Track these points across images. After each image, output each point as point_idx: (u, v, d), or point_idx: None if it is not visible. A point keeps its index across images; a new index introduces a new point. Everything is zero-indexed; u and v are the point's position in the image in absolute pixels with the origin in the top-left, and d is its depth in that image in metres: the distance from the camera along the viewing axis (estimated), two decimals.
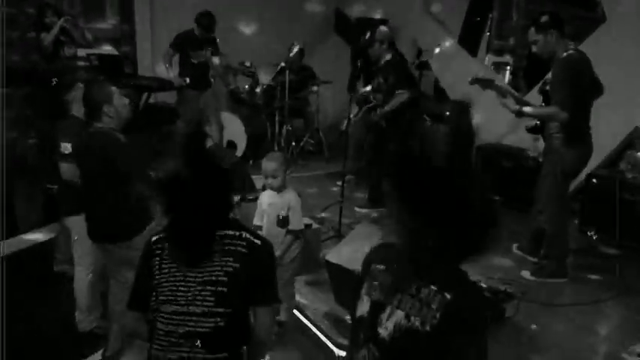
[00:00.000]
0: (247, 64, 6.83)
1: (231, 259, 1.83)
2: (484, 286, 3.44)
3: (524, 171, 5.25)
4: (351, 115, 5.16)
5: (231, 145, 6.45)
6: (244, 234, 1.88)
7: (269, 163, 3.12)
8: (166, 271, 1.86)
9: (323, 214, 4.92)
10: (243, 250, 1.85)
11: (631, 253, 4.42)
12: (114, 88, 2.93)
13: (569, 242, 4.04)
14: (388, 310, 1.53)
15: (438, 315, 1.47)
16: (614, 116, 4.76)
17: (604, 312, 3.62)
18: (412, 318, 1.49)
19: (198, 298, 1.82)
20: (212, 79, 6.48)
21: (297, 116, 7.11)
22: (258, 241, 1.89)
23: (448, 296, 1.48)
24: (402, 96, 4.92)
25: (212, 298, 1.81)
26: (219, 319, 1.81)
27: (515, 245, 4.41)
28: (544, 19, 3.73)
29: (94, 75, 5.76)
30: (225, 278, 1.81)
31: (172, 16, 6.95)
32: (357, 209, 4.97)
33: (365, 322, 1.59)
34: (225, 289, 1.81)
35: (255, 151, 6.47)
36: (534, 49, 3.76)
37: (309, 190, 5.78)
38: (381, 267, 1.62)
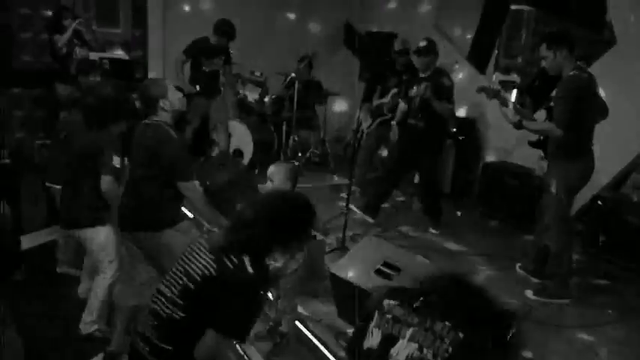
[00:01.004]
0: (257, 74, 6.87)
1: (216, 266, 1.89)
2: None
3: (529, 190, 5.25)
4: (364, 127, 5.16)
5: (238, 153, 6.47)
6: (245, 259, 1.90)
7: (272, 167, 3.20)
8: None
9: (327, 226, 4.91)
10: (230, 267, 1.88)
11: (636, 276, 4.40)
12: (167, 82, 3.16)
13: (571, 262, 4.03)
14: (399, 344, 1.53)
15: (450, 349, 1.48)
16: (622, 139, 4.76)
17: (607, 334, 3.60)
18: (425, 350, 1.49)
19: (174, 282, 1.95)
20: (222, 88, 6.52)
21: (304, 127, 7.13)
22: (249, 270, 1.88)
23: (461, 335, 1.48)
24: (448, 109, 4.85)
25: (180, 288, 1.92)
26: (177, 311, 1.90)
27: (518, 265, 4.40)
28: (556, 36, 3.79)
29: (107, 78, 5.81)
30: (199, 278, 1.89)
31: (184, 22, 7.02)
32: (351, 207, 4.85)
33: (373, 354, 1.59)
34: (192, 287, 1.90)
35: (262, 159, 6.49)
36: (543, 63, 3.81)
37: (313, 201, 5.75)
38: (394, 302, 1.63)
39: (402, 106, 5.04)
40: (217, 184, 5.21)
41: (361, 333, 1.64)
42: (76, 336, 3.30)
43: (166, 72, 7.01)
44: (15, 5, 6.27)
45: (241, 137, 6.53)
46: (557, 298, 3.89)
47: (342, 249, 4.41)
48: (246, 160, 6.41)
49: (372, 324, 1.61)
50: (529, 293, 3.98)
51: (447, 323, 1.50)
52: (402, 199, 6.10)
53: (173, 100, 3.05)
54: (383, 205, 5.30)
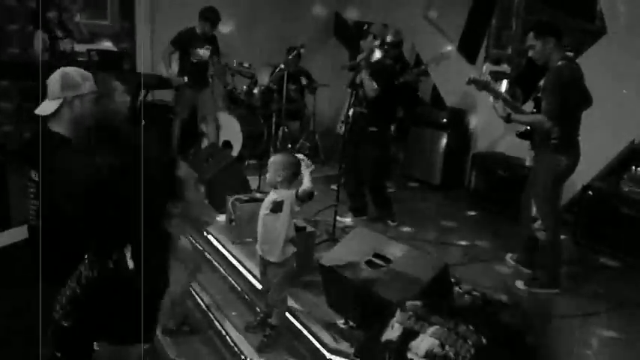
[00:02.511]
0: (246, 65, 6.83)
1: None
2: (477, 294, 3.43)
3: (520, 180, 5.24)
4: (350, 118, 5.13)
5: (227, 145, 6.44)
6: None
7: (272, 156, 3.14)
8: None
9: (317, 218, 4.90)
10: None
11: (625, 266, 4.43)
12: (117, 84, 2.93)
13: (561, 252, 4.04)
14: (420, 338, 1.54)
15: (472, 351, 1.48)
16: (612, 128, 4.78)
17: (597, 323, 3.62)
18: (447, 347, 1.49)
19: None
20: (210, 79, 6.48)
21: (293, 118, 7.11)
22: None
23: (484, 341, 1.49)
24: (374, 90, 4.65)
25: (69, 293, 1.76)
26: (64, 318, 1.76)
27: (509, 255, 4.42)
28: (544, 25, 3.80)
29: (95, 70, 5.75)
30: (84, 282, 1.70)
31: (172, 13, 6.96)
32: (339, 219, 4.75)
33: (392, 346, 1.59)
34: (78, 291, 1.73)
35: (251, 151, 6.46)
36: (530, 53, 3.80)
37: None
38: (418, 303, 1.63)
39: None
40: (206, 175, 5.19)
41: (380, 329, 1.64)
42: None
43: (154, 63, 6.96)
44: None
45: (230, 129, 6.50)
46: (547, 287, 3.91)
47: (331, 240, 4.40)
48: (235, 152, 6.38)
49: (394, 319, 1.62)
50: (519, 283, 3.99)
51: (470, 327, 1.50)
52: (392, 190, 6.09)
53: (118, 102, 2.91)
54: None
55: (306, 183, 2.98)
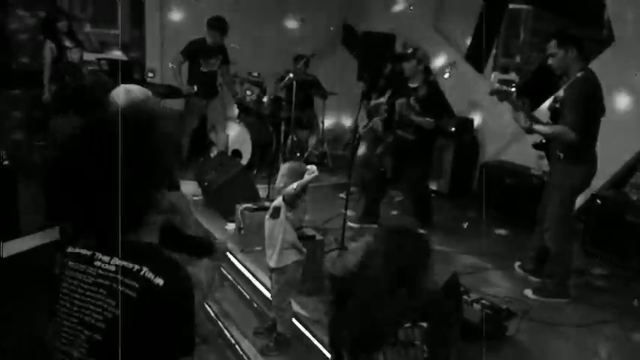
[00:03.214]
0: (255, 74, 6.87)
1: (114, 302, 1.37)
2: (486, 302, 3.42)
3: (528, 189, 5.25)
4: (360, 127, 5.16)
5: (237, 153, 6.47)
6: (144, 271, 1.36)
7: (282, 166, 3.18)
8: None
9: (326, 226, 4.90)
10: (132, 295, 1.34)
11: (634, 275, 4.40)
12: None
13: (571, 262, 4.02)
14: None
15: (424, 347, 1.47)
16: (620, 138, 4.76)
17: (605, 333, 3.60)
18: None
19: (75, 341, 1.45)
20: (219, 88, 6.53)
21: (302, 127, 7.13)
22: (159, 282, 1.34)
23: (424, 324, 1.48)
24: (427, 123, 4.80)
25: (86, 346, 1.42)
26: None
27: (517, 264, 4.40)
28: (567, 35, 3.79)
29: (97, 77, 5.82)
30: (102, 325, 1.39)
31: (182, 23, 7.02)
32: (349, 224, 4.80)
33: None
34: (99, 338, 1.40)
35: (260, 160, 6.48)
36: (550, 61, 3.78)
37: (312, 201, 5.77)
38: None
39: (376, 122, 5.11)
40: (216, 184, 5.21)
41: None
42: None
43: (164, 73, 7.02)
44: (12, 6, 6.26)
45: (239, 138, 6.53)
46: (556, 297, 3.89)
47: (340, 249, 4.40)
48: (244, 161, 6.40)
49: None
50: (528, 292, 3.97)
51: (406, 326, 1.49)
52: (400, 199, 6.09)
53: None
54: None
55: (292, 185, 2.96)
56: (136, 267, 1.36)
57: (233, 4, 7.06)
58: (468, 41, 6.78)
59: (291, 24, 8.02)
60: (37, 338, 3.20)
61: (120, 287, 1.36)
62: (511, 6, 7.12)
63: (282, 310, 3.19)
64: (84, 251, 1.46)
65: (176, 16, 7.16)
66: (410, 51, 4.90)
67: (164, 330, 1.37)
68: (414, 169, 5.03)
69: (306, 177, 2.96)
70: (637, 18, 4.97)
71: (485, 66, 6.80)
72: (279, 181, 3.08)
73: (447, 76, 6.09)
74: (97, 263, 1.42)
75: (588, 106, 3.61)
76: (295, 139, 6.82)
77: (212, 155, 6.40)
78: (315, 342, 3.24)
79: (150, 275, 1.35)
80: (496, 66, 8.11)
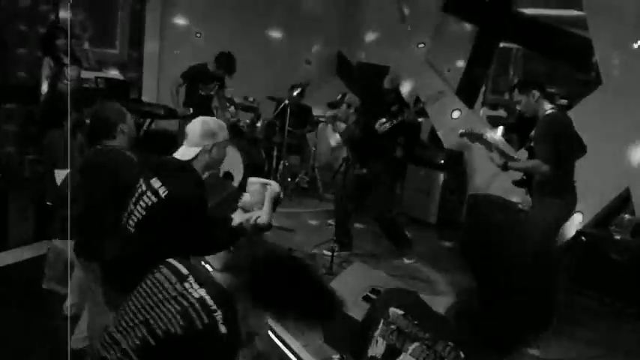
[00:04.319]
0: (250, 99, 6.96)
1: (182, 323, 1.58)
2: None
3: (514, 222, 5.32)
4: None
5: (228, 176, 6.50)
6: (217, 316, 1.57)
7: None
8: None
9: (315, 251, 4.94)
10: (199, 327, 1.56)
11: (618, 312, 4.46)
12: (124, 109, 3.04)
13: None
14: (401, 357, 1.55)
15: (461, 354, 1.50)
16: (604, 177, 4.88)
17: None
18: None
19: (131, 332, 1.65)
20: (214, 111, 6.60)
21: (294, 153, 7.21)
22: (222, 330, 1.55)
23: (462, 355, 1.51)
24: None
25: (138, 342, 1.61)
26: None
27: None
28: (525, 81, 4.05)
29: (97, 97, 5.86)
30: (161, 334, 1.59)
31: (180, 44, 7.11)
32: (324, 252, 4.85)
33: None
34: (153, 343, 1.59)
35: None
36: (518, 107, 3.97)
37: (301, 227, 5.83)
38: (400, 312, 1.64)
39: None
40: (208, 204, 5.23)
41: (365, 337, 1.64)
42: (61, 351, 3.26)
43: (160, 93, 7.08)
44: (11, 21, 6.32)
45: (232, 160, 6.56)
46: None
47: (329, 274, 4.43)
48: (236, 183, 6.43)
49: (377, 332, 1.61)
50: None
51: (449, 344, 1.52)
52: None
53: (130, 124, 3.02)
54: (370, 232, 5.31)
55: (257, 214, 2.73)
56: (213, 307, 1.57)
57: (233, 30, 7.20)
58: (460, 76, 6.93)
59: (289, 51, 8.15)
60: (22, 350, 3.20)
61: (193, 314, 1.56)
62: (502, 44, 7.33)
63: (260, 327, 3.16)
64: (182, 268, 1.68)
65: (175, 37, 7.25)
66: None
67: None
68: (376, 201, 5.10)
69: (267, 197, 2.79)
70: (623, 61, 5.14)
71: (475, 102, 6.96)
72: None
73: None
74: (187, 285, 1.62)
75: (557, 141, 3.73)
76: (287, 164, 6.89)
77: (204, 177, 6.42)
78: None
79: (219, 319, 1.56)
80: (485, 102, 8.31)
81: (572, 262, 4.87)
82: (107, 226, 2.83)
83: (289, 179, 6.94)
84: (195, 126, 2.63)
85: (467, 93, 6.83)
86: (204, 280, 1.64)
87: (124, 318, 1.67)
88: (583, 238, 4.81)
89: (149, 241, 2.36)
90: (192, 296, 1.59)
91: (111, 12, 6.99)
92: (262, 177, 6.51)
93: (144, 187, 2.45)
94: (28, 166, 6.09)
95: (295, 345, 3.46)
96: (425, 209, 6.43)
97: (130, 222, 2.44)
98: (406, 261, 5.13)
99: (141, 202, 2.43)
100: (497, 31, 6.67)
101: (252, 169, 6.61)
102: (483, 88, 7.48)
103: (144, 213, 2.40)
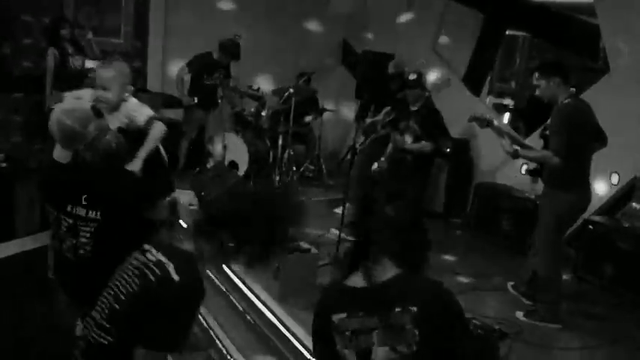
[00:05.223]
0: (255, 87, 6.93)
1: (138, 281, 1.77)
2: (477, 322, 3.45)
3: (522, 212, 5.32)
4: (357, 145, 5.21)
5: (233, 165, 6.50)
6: (169, 267, 1.75)
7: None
8: None
9: (320, 240, 4.93)
10: (152, 280, 1.73)
11: (625, 302, 4.44)
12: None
13: (561, 288, 4.05)
14: (374, 353, 1.53)
15: (415, 331, 1.50)
16: (612, 165, 4.85)
17: (595, 358, 3.63)
18: (398, 347, 1.50)
19: (102, 305, 1.82)
20: (219, 100, 6.59)
21: (299, 142, 7.19)
22: (175, 277, 1.72)
23: (414, 309, 1.51)
24: (427, 146, 4.95)
25: (107, 311, 1.79)
26: (105, 335, 1.76)
27: (510, 284, 4.44)
28: (549, 65, 3.87)
29: None
30: (123, 297, 1.77)
31: (185, 34, 7.09)
32: (332, 230, 4.84)
33: None
34: (118, 307, 1.77)
35: (257, 172, 6.52)
36: (537, 92, 3.86)
37: (307, 216, 5.80)
38: (343, 315, 1.60)
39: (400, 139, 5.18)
40: (212, 194, 5.23)
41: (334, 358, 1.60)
42: (67, 340, 3.27)
43: (165, 83, 7.07)
44: (17, 11, 6.31)
45: (237, 149, 6.57)
46: (547, 322, 3.89)
47: (334, 263, 4.42)
48: (241, 173, 6.44)
49: (339, 346, 1.57)
50: (519, 314, 4.00)
51: (397, 309, 1.52)
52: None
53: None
54: None
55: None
56: (165, 261, 1.75)
57: (238, 18, 7.18)
58: (466, 64, 6.88)
59: (294, 39, 8.11)
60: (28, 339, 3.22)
61: (147, 271, 1.74)
62: (508, 32, 7.26)
63: None
64: (145, 245, 1.85)
65: (180, 27, 7.22)
66: (415, 77, 5.01)
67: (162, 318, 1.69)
68: (410, 190, 5.08)
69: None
70: (631, 48, 5.08)
71: (482, 90, 6.91)
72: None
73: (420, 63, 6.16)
74: (148, 255, 1.80)
75: (570, 132, 3.63)
76: (292, 153, 6.88)
77: (208, 166, 6.44)
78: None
79: (171, 270, 1.72)
80: (492, 90, 8.25)
81: (580, 251, 4.85)
82: None
83: (294, 168, 6.93)
84: (53, 128, 2.46)
85: (473, 81, 6.78)
86: (164, 247, 1.82)
87: (100, 298, 1.84)
88: (590, 226, 4.78)
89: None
90: (150, 260, 1.77)
91: (115, 1, 6.97)
92: (267, 166, 6.60)
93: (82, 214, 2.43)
94: (34, 156, 6.11)
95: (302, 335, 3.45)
96: (431, 199, 6.40)
97: (81, 251, 2.45)
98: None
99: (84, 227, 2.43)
100: (503, 19, 6.61)
101: (257, 158, 6.62)
102: (489, 77, 7.41)
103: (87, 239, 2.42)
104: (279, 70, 7.59)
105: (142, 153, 2.92)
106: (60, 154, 2.43)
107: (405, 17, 7.58)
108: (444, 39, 7.20)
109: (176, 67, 6.55)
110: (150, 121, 3.00)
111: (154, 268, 1.74)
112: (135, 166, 2.85)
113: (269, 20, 7.68)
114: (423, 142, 4.94)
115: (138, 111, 2.98)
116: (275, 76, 7.41)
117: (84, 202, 2.37)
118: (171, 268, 1.72)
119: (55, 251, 2.50)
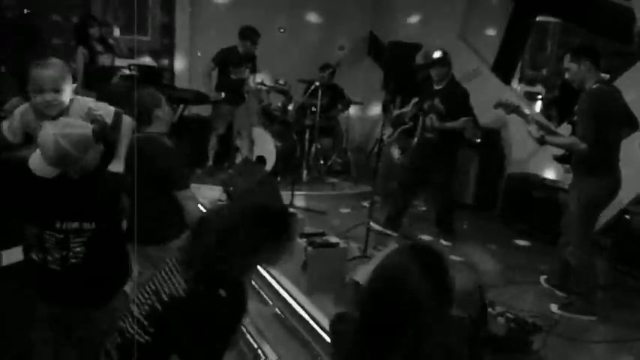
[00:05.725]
0: (281, 82, 6.93)
1: (186, 287, 1.79)
2: (510, 316, 3.39)
3: (555, 203, 5.20)
4: (385, 136, 5.17)
5: (261, 160, 6.52)
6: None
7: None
8: None
9: (349, 234, 4.91)
10: (201, 289, 1.77)
11: None
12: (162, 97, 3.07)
13: (597, 278, 3.95)
14: None
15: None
16: None
17: (632, 351, 3.54)
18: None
19: (143, 301, 1.84)
20: (246, 95, 6.60)
21: (326, 135, 7.17)
22: (222, 294, 1.74)
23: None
24: (466, 122, 4.87)
25: (147, 308, 1.80)
26: (142, 333, 1.76)
27: (543, 278, 4.36)
28: (580, 48, 3.79)
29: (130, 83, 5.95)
30: (166, 298, 1.78)
31: (211, 30, 7.12)
32: (371, 224, 4.79)
33: None
34: (160, 308, 1.78)
35: (284, 167, 6.53)
36: (567, 75, 3.77)
37: (336, 209, 5.81)
38: None
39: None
40: (240, 190, 5.25)
41: None
42: None
43: (192, 79, 7.12)
44: (47, 11, 6.42)
45: (264, 144, 6.58)
46: (582, 314, 3.81)
47: (363, 257, 4.41)
48: (268, 167, 6.45)
49: None
50: (554, 307, 3.92)
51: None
52: (424, 208, 6.08)
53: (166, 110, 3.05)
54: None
55: None
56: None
57: (263, 13, 7.18)
58: (495, 52, 6.75)
59: (320, 33, 8.08)
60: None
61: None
62: (539, 19, 7.09)
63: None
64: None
65: (206, 23, 7.26)
66: (439, 56, 4.92)
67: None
68: (438, 173, 5.05)
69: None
70: None
71: (512, 78, 6.77)
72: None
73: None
74: None
75: (598, 117, 3.55)
76: (319, 146, 6.86)
77: (237, 161, 6.47)
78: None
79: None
80: (523, 78, 8.09)
81: (616, 242, 4.73)
82: (152, 210, 2.87)
83: (321, 162, 6.91)
84: (48, 148, 2.18)
85: (503, 69, 6.65)
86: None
87: (141, 292, 1.84)
88: (627, 216, 4.65)
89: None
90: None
91: None
92: (295, 160, 6.62)
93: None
94: None
95: None
96: (462, 190, 6.31)
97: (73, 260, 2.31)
98: (443, 242, 5.08)
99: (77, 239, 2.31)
100: (534, 5, 6.45)
101: (285, 153, 6.62)
102: (520, 64, 7.26)
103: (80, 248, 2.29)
104: (305, 63, 7.56)
105: (121, 152, 2.92)
106: (44, 170, 2.20)
107: (431, 5, 7.47)
108: (471, 26, 7.07)
109: (202, 63, 6.58)
110: (117, 117, 2.95)
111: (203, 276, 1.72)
112: (118, 166, 2.85)
113: (294, 14, 7.66)
114: (462, 118, 4.84)
115: (102, 109, 2.92)
116: (300, 70, 7.38)
117: (77, 216, 2.24)
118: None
119: (36, 265, 2.31)
